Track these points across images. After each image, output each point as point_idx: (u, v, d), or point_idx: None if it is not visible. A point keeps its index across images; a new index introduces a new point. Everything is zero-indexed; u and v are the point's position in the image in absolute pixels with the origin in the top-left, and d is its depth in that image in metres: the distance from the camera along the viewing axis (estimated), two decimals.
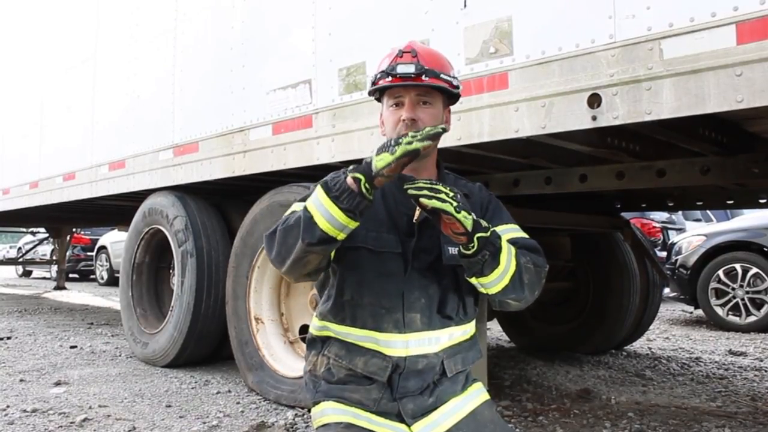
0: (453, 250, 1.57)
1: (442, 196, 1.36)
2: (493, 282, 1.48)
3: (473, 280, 1.51)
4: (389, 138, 1.61)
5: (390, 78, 1.55)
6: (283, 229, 1.49)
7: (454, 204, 1.37)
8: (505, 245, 1.48)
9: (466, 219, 1.38)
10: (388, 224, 1.58)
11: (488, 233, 1.43)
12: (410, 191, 1.37)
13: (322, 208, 1.40)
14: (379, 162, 1.35)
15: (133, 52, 4.51)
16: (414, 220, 1.59)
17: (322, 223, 1.40)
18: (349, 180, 1.38)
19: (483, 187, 1.76)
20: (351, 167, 1.41)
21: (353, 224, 1.42)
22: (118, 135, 4.65)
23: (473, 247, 1.41)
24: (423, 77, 1.53)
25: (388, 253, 1.55)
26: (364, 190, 1.38)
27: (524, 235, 1.65)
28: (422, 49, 1.59)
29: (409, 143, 1.34)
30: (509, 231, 1.64)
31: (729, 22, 1.74)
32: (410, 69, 1.53)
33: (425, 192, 1.36)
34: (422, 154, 1.59)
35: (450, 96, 1.63)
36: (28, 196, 6.19)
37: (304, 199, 1.58)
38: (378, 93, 1.64)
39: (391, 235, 1.56)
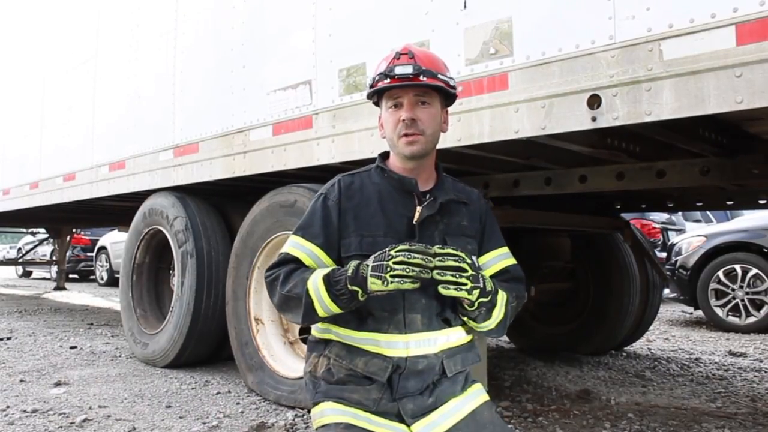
0: None
1: (464, 280, 1.45)
2: (481, 327, 1.63)
3: (464, 317, 1.62)
4: (389, 138, 1.62)
5: (388, 79, 1.57)
6: (285, 295, 1.58)
7: (470, 285, 1.46)
8: (500, 299, 1.59)
9: (476, 298, 1.49)
10: (385, 228, 1.59)
11: (488, 298, 1.53)
12: (435, 275, 1.44)
13: (322, 303, 1.51)
14: (373, 286, 1.44)
15: (133, 53, 4.51)
16: (414, 222, 1.59)
17: (321, 312, 1.53)
18: (348, 287, 1.47)
19: (481, 196, 1.79)
20: (351, 272, 1.48)
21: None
22: (119, 135, 4.65)
23: (473, 308, 1.53)
24: (421, 77, 1.56)
25: None
26: (360, 297, 1.49)
27: (513, 261, 1.75)
28: (419, 51, 1.62)
29: (401, 282, 1.41)
30: (502, 258, 1.72)
31: (728, 23, 1.74)
32: (408, 70, 1.55)
33: (449, 278, 1.44)
34: (423, 156, 1.62)
35: (447, 96, 1.65)
36: (29, 197, 6.19)
37: (300, 228, 1.65)
38: (376, 96, 1.66)
39: (388, 238, 1.56)
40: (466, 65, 2.37)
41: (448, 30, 2.44)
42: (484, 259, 1.70)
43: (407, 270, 1.40)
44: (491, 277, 1.67)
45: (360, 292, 1.47)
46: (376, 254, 1.46)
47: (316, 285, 1.51)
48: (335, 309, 1.51)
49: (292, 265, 1.62)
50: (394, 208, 1.62)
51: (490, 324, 1.61)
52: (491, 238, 1.72)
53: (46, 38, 6.01)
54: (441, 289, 1.45)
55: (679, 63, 1.83)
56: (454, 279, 1.44)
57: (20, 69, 6.58)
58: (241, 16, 3.52)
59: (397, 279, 1.40)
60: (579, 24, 2.07)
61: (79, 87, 5.23)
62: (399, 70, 1.55)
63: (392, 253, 1.43)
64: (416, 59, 1.57)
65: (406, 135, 1.58)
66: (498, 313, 1.60)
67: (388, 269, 1.41)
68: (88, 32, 5.15)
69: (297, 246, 1.64)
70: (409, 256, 1.41)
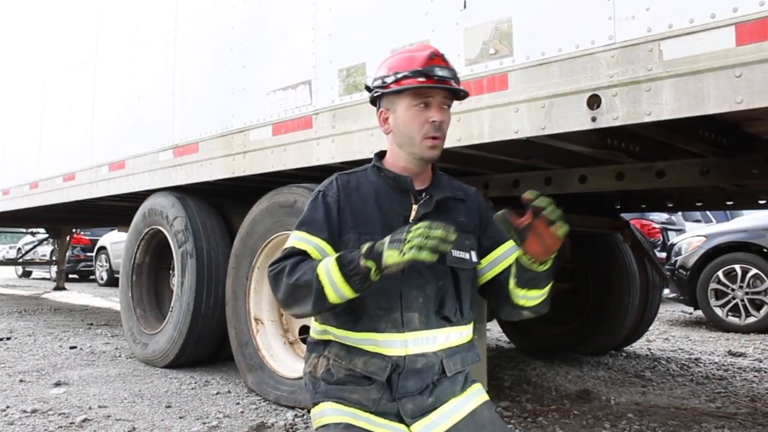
0: (457, 253, 1.59)
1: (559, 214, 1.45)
2: (539, 295, 1.60)
3: (521, 291, 1.58)
4: (410, 136, 1.60)
5: (424, 78, 1.57)
6: (293, 285, 1.53)
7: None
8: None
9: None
10: (382, 226, 1.59)
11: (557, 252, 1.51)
12: (546, 214, 1.44)
13: (334, 285, 1.45)
14: (389, 259, 1.39)
15: (133, 53, 4.51)
16: (410, 220, 1.60)
17: (332, 297, 1.47)
18: (362, 263, 1.42)
19: (479, 193, 1.79)
20: (365, 249, 1.43)
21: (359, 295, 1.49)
22: (118, 135, 4.65)
23: (547, 264, 1.52)
24: (452, 82, 1.59)
25: None
26: (373, 275, 1.42)
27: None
28: (444, 55, 1.65)
29: (420, 250, 1.35)
30: (514, 251, 1.65)
31: (728, 24, 1.74)
32: (446, 73, 1.58)
33: (558, 214, 1.43)
34: (426, 160, 1.62)
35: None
36: (28, 197, 6.19)
37: (303, 224, 1.63)
38: (380, 91, 1.63)
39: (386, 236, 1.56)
40: (466, 65, 2.37)
41: (447, 30, 2.44)
42: (498, 252, 1.69)
43: (425, 242, 1.35)
44: (506, 268, 1.67)
45: (374, 269, 1.42)
46: (394, 232, 1.43)
47: (327, 267, 1.47)
48: (347, 292, 1.45)
49: (298, 257, 1.59)
50: (391, 206, 1.62)
51: (545, 292, 1.61)
52: (498, 231, 1.68)
53: (46, 38, 6.01)
54: (560, 229, 1.43)
55: (679, 63, 1.83)
56: (558, 215, 1.42)
57: (20, 69, 6.57)
58: (241, 16, 3.52)
59: (414, 249, 1.35)
60: (579, 24, 2.07)
61: (79, 87, 5.23)
62: (439, 72, 1.57)
63: (412, 228, 1.39)
64: (447, 63, 1.61)
65: (433, 138, 1.58)
66: (551, 279, 1.60)
67: (407, 241, 1.37)
68: (88, 32, 5.15)
69: (303, 240, 1.61)
70: (429, 230, 1.37)
